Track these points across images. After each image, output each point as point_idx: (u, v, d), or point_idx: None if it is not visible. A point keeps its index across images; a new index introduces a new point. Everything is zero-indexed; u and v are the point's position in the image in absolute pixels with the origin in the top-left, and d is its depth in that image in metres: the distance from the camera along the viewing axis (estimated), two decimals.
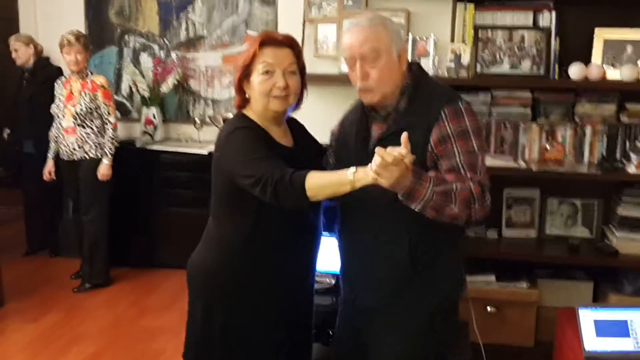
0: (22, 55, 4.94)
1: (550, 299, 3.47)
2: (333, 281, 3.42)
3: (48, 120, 4.60)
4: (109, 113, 4.47)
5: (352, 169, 1.87)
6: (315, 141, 2.37)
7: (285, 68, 2.09)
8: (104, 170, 4.45)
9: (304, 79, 2.21)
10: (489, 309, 3.43)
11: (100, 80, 4.49)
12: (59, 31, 4.55)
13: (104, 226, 4.60)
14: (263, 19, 4.93)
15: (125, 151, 4.83)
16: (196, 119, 4.99)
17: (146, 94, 5.02)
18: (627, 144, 3.42)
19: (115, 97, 5.18)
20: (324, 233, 2.31)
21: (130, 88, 5.20)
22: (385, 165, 1.75)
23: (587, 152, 3.47)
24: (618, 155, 3.43)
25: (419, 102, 2.03)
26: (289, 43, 2.14)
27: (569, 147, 3.48)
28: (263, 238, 2.13)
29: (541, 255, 3.51)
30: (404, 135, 1.79)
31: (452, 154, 1.95)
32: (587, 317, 2.81)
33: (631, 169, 3.28)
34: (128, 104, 5.28)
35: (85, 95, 4.42)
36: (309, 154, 2.22)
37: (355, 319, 2.23)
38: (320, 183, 1.92)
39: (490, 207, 1.96)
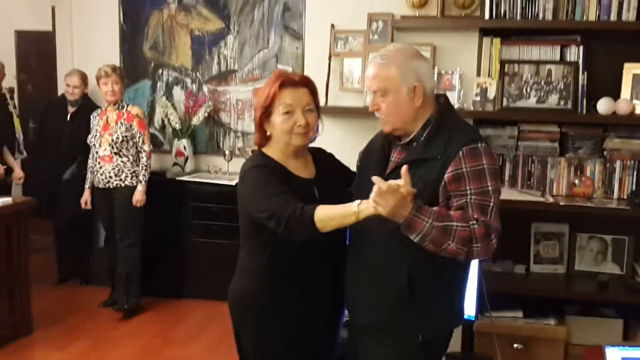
0: (78, 92, 5.06)
1: (579, 337, 3.40)
2: None
3: (87, 150, 4.72)
4: (144, 142, 4.60)
5: (357, 201, 1.97)
6: (343, 169, 2.45)
7: (304, 107, 2.21)
8: (138, 196, 4.56)
9: (318, 112, 2.32)
10: (515, 345, 3.37)
11: (135, 110, 4.63)
12: (95, 65, 4.67)
13: (138, 251, 4.68)
14: (293, 53, 5.01)
15: (156, 182, 4.90)
16: (226, 151, 5.06)
17: (177, 126, 5.10)
18: None
19: (149, 129, 5.28)
20: None
21: (163, 120, 5.30)
22: (381, 193, 1.83)
23: (617, 187, 3.43)
24: None
25: (440, 136, 2.06)
26: (305, 82, 2.27)
27: (598, 182, 3.45)
28: (282, 266, 2.24)
29: (570, 291, 3.46)
30: (404, 168, 1.88)
31: (464, 193, 1.98)
32: (615, 356, 2.72)
33: None
34: (160, 136, 5.37)
35: (122, 125, 4.55)
36: (332, 183, 2.30)
37: (354, 338, 2.31)
38: (328, 215, 2.02)
39: (495, 249, 1.97)
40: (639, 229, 3.49)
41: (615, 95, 3.34)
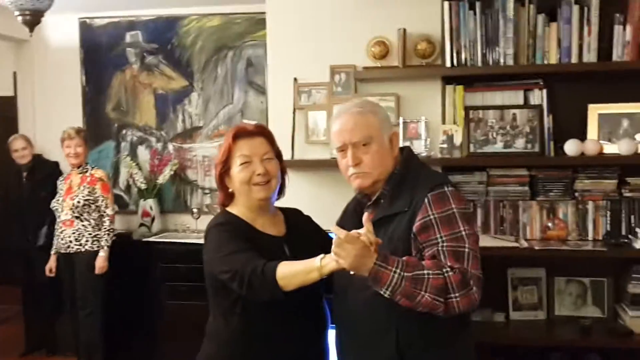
0: (27, 153, 5.00)
1: None
2: None
3: (49, 215, 4.62)
4: (107, 205, 4.48)
5: (320, 256, 1.85)
6: (320, 232, 2.33)
7: (261, 156, 2.14)
8: (100, 262, 4.42)
9: (282, 164, 2.25)
10: None
11: (99, 173, 4.54)
12: (58, 128, 4.60)
13: (100, 321, 4.52)
14: (258, 107, 4.99)
15: (122, 244, 4.78)
16: (194, 208, 4.97)
17: (143, 186, 5.02)
18: (632, 218, 3.33)
19: (113, 190, 5.17)
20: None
21: (128, 181, 5.20)
22: (340, 243, 1.73)
23: (591, 228, 3.38)
24: (623, 230, 3.34)
25: (406, 188, 1.98)
26: (261, 131, 2.20)
27: (571, 224, 3.40)
28: (253, 332, 2.09)
29: (552, 338, 3.36)
30: (365, 215, 1.80)
31: (435, 242, 1.86)
32: None
33: (638, 245, 3.18)
34: (126, 197, 5.27)
35: (84, 188, 4.45)
36: (306, 243, 2.15)
37: None
38: (290, 272, 1.90)
39: (478, 299, 1.85)
40: (616, 270, 3.43)
41: (582, 136, 3.33)
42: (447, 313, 1.80)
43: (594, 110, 3.36)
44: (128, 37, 5.18)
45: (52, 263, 4.62)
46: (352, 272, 1.81)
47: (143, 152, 5.21)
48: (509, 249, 3.28)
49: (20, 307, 5.33)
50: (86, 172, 4.52)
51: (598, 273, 3.47)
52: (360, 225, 1.89)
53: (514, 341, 3.36)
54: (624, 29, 3.25)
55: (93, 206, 4.45)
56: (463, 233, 1.86)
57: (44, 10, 4.04)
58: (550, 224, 3.40)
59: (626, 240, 3.28)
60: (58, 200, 4.51)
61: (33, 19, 3.96)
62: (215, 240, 2.09)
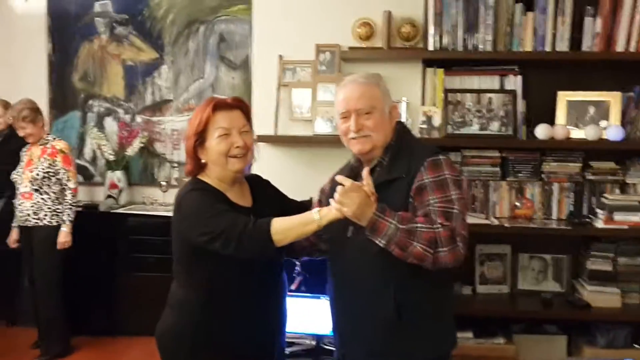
0: (1, 122, 4.83)
1: (527, 354, 3.51)
2: (314, 343, 3.42)
3: (10, 188, 4.50)
4: (68, 179, 4.34)
5: (317, 208, 2.00)
6: (279, 195, 2.42)
7: (240, 128, 2.17)
8: (62, 237, 4.29)
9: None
10: None
11: (60, 145, 4.38)
12: (22, 97, 4.49)
13: (57, 295, 4.41)
14: (229, 82, 5.00)
15: (87, 216, 4.74)
16: (162, 182, 4.97)
17: (111, 158, 4.98)
18: (593, 200, 3.56)
19: (78, 161, 5.11)
20: (297, 294, 2.33)
21: (94, 152, 5.15)
22: (345, 191, 1.88)
23: (556, 208, 3.61)
24: (585, 210, 3.57)
25: (402, 157, 2.12)
26: (238, 105, 2.22)
27: (537, 204, 3.61)
28: (221, 298, 2.15)
29: (515, 310, 3.57)
30: (365, 170, 1.96)
31: (427, 202, 2.01)
32: None
33: (598, 224, 3.41)
34: (91, 168, 5.21)
35: (45, 160, 4.31)
36: (269, 212, 2.18)
37: None
38: (286, 225, 1.99)
39: (463, 255, 2.00)
40: (576, 248, 3.68)
41: (551, 121, 3.53)
42: (434, 265, 1.94)
43: (563, 97, 3.57)
44: (97, 7, 5.09)
45: (14, 235, 4.49)
46: (349, 232, 2.00)
47: (110, 124, 5.15)
48: (480, 226, 3.46)
49: None
50: (46, 143, 4.37)
51: (559, 250, 3.71)
52: None
53: (480, 313, 3.56)
54: (594, 20, 3.46)
55: (54, 179, 4.31)
56: (453, 197, 2.01)
57: None
58: (518, 203, 3.60)
59: (588, 220, 3.52)
60: (18, 172, 4.38)
61: None
62: (194, 203, 2.10)
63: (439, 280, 2.09)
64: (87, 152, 5.21)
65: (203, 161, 2.19)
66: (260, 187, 2.36)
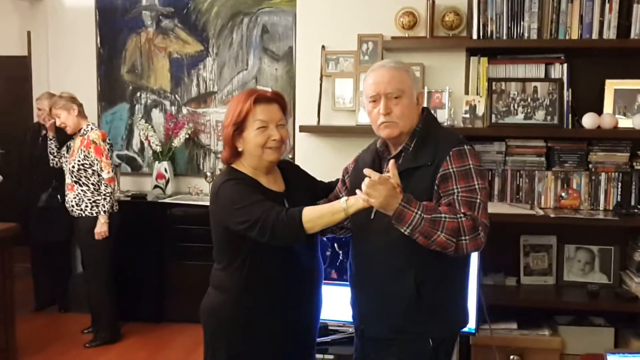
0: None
1: (572, 346, 3.48)
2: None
3: (57, 178, 4.63)
4: (101, 169, 4.33)
5: (344, 197, 2.08)
6: (310, 180, 2.51)
7: (277, 122, 2.26)
8: (98, 228, 4.33)
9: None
10: (512, 357, 3.43)
11: (92, 135, 4.35)
12: (71, 89, 4.61)
13: (105, 284, 4.49)
14: (272, 74, 5.06)
15: (136, 205, 4.86)
16: (207, 172, 5.06)
17: (158, 149, 5.08)
18: None
19: (127, 152, 5.26)
20: (339, 282, 2.39)
21: (142, 143, 5.27)
22: (373, 184, 1.93)
23: (603, 198, 3.55)
24: (633, 201, 3.51)
25: (428, 144, 2.15)
26: (277, 99, 2.31)
27: (584, 194, 3.56)
28: (258, 279, 2.25)
29: (561, 301, 3.54)
30: (391, 162, 2.01)
31: (452, 192, 2.06)
32: None
33: None
34: (139, 159, 5.33)
35: (81, 152, 4.34)
36: (301, 196, 2.33)
37: (365, 349, 2.33)
38: (316, 214, 2.09)
39: (484, 244, 2.03)
40: (623, 239, 3.62)
41: (598, 110, 3.48)
42: (456, 253, 2.01)
43: (611, 86, 3.51)
44: (144, 0, 5.20)
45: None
46: (372, 215, 2.06)
47: (157, 115, 5.26)
48: (525, 217, 3.43)
49: (29, 265, 5.38)
50: (85, 134, 4.39)
51: (606, 241, 3.66)
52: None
53: (525, 304, 3.54)
54: None
55: (90, 170, 4.33)
56: (477, 187, 2.06)
57: None
58: (564, 194, 3.56)
59: (636, 210, 3.45)
60: (65, 163, 4.49)
61: None
62: (230, 193, 2.19)
63: (457, 261, 2.15)
64: (135, 143, 5.33)
65: (240, 149, 2.28)
66: (291, 172, 2.45)
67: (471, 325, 3.07)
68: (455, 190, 2.05)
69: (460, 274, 2.25)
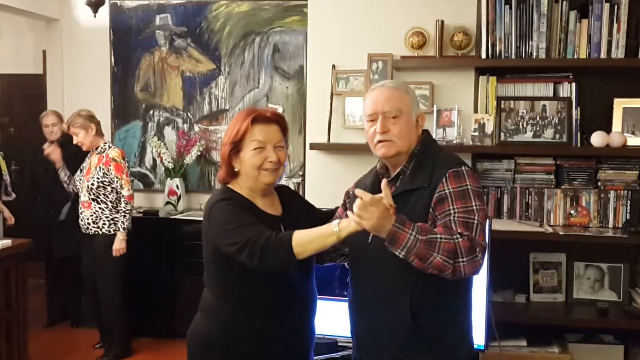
0: (57, 130, 4.95)
1: None
2: None
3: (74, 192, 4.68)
4: (121, 186, 4.40)
5: (336, 220, 2.00)
6: (307, 206, 2.45)
7: (275, 144, 2.20)
8: (117, 244, 4.39)
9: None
10: None
11: (112, 153, 4.42)
12: (86, 106, 4.67)
13: (119, 300, 4.54)
14: (283, 92, 5.14)
15: (148, 221, 4.92)
16: (217, 189, 5.11)
17: (170, 166, 5.15)
18: None
19: (139, 169, 5.33)
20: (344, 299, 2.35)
21: (154, 160, 5.34)
22: (364, 205, 1.86)
23: (612, 216, 3.56)
24: None
25: (425, 166, 2.12)
26: (277, 119, 2.24)
27: (593, 211, 3.57)
28: (250, 306, 2.16)
29: (571, 319, 3.54)
30: (384, 182, 1.94)
31: (448, 212, 2.01)
32: None
33: None
34: (151, 176, 5.41)
35: (100, 169, 4.39)
36: (298, 220, 2.22)
37: None
38: (306, 238, 2.00)
39: (482, 265, 1.98)
40: (633, 257, 3.62)
41: (607, 128, 3.50)
42: (454, 275, 1.93)
43: (620, 104, 3.53)
44: (158, 20, 5.31)
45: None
46: (370, 239, 2.02)
47: (169, 133, 5.35)
48: (534, 234, 3.44)
49: (43, 280, 5.44)
50: (103, 152, 4.45)
51: (615, 259, 3.66)
52: None
53: (534, 321, 3.54)
54: None
55: (109, 188, 4.39)
56: (474, 207, 2.01)
57: None
58: (573, 211, 3.57)
59: None
60: (80, 180, 4.50)
61: (97, 0, 4.05)
62: (222, 214, 2.12)
63: (457, 286, 2.08)
64: (148, 160, 5.41)
65: (236, 169, 2.21)
66: (288, 196, 2.39)
67: (480, 342, 3.09)
68: (452, 211, 2.00)
69: (460, 300, 2.16)
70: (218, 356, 2.20)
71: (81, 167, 4.57)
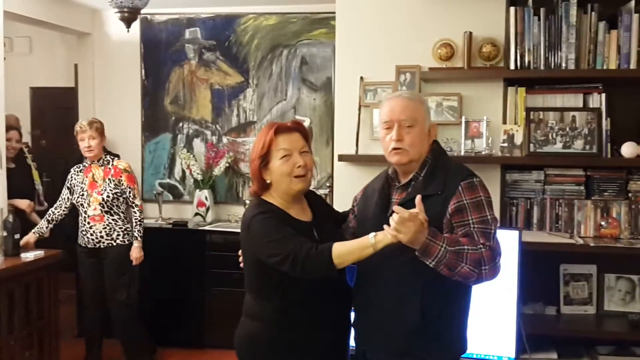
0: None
1: None
2: None
3: None
4: (134, 196, 4.44)
5: (372, 233, 2.12)
6: (332, 210, 2.65)
7: (300, 150, 2.32)
8: (135, 253, 4.43)
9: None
10: None
11: (122, 164, 4.46)
12: (117, 120, 4.78)
13: (133, 309, 4.54)
14: (310, 104, 5.18)
15: (177, 232, 4.98)
16: (246, 200, 5.15)
17: (199, 177, 5.21)
18: None
19: (169, 180, 5.41)
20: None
21: (183, 172, 5.40)
22: (402, 221, 2.01)
23: None
24: None
25: (437, 175, 2.25)
26: (297, 127, 2.37)
27: (624, 223, 3.55)
28: (291, 310, 2.30)
29: (602, 331, 3.51)
30: (418, 197, 2.07)
31: (467, 223, 2.16)
32: None
33: None
34: (180, 187, 5.47)
35: (110, 181, 4.39)
36: (327, 223, 2.43)
37: None
38: (346, 250, 2.14)
39: (499, 270, 2.14)
40: None
41: (637, 139, 3.47)
42: (477, 282, 2.14)
43: None
44: (187, 34, 5.38)
45: (31, 239, 4.39)
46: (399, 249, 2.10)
47: (198, 145, 5.41)
48: (565, 245, 3.43)
49: (74, 291, 5.50)
50: (108, 164, 4.43)
51: None
52: (384, 204, 2.29)
53: (565, 334, 3.52)
54: None
55: (121, 199, 4.41)
56: (488, 217, 2.18)
57: (141, 7, 4.19)
58: (603, 223, 3.55)
59: None
60: (82, 195, 4.41)
61: (131, 15, 4.13)
62: (261, 227, 2.25)
63: (461, 290, 2.25)
64: (177, 172, 5.48)
65: (268, 181, 2.33)
66: (317, 201, 2.52)
67: (511, 354, 3.09)
68: (470, 221, 2.15)
69: (462, 302, 2.31)
70: (264, 355, 2.32)
71: (69, 184, 4.50)
